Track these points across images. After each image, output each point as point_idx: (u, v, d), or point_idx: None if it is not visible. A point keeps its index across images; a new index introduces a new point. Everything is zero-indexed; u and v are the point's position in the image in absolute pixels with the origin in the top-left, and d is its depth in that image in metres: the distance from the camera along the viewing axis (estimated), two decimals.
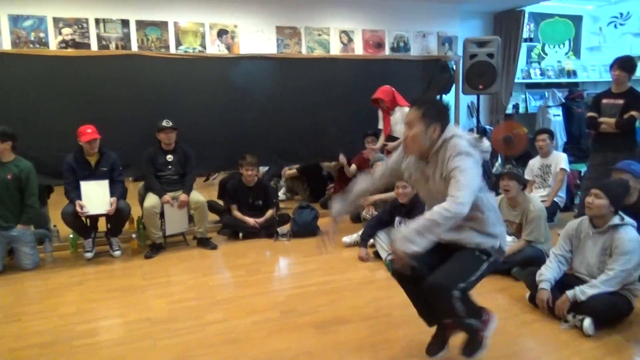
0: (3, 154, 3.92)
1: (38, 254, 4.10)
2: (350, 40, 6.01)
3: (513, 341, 2.61)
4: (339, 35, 5.95)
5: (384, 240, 3.91)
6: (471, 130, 6.32)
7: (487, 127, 6.44)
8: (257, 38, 5.61)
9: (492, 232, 2.18)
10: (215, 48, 5.40)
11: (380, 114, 5.14)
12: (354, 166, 5.38)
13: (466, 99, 6.56)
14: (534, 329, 2.74)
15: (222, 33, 5.43)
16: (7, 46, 4.61)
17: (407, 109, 5.13)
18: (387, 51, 6.18)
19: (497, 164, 6.29)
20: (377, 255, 3.97)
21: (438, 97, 6.12)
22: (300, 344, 2.60)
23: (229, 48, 5.46)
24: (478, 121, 6.35)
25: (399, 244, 1.94)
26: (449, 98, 6.22)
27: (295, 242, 4.57)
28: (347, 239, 4.38)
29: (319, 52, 5.81)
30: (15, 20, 4.64)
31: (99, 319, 3.04)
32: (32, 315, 3.08)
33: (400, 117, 4.78)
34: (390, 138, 4.88)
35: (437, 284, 2.09)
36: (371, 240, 4.07)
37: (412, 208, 3.83)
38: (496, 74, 5.66)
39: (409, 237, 1.93)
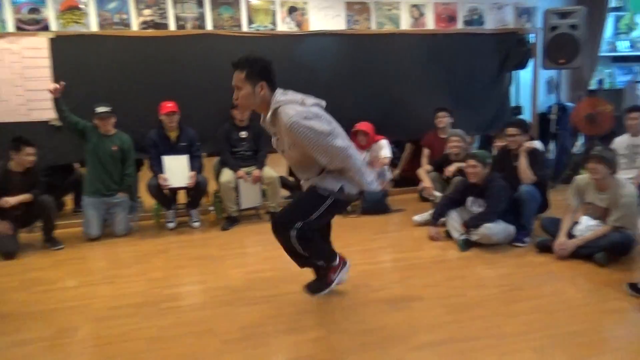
0: (108, 128, 4.24)
1: (129, 221, 4.43)
2: (421, 14, 5.85)
3: (599, 328, 2.51)
4: (409, 10, 5.80)
5: (455, 220, 3.86)
6: (550, 107, 5.98)
7: (568, 104, 6.07)
8: (326, 14, 5.59)
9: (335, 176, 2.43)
10: (285, 26, 5.44)
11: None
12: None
13: (545, 74, 6.20)
14: (621, 317, 2.62)
15: (292, 10, 5.46)
16: (94, 28, 4.90)
17: (382, 142, 5.09)
18: (459, 25, 5.96)
19: (578, 144, 5.96)
20: (448, 235, 3.93)
21: (513, 71, 5.86)
22: (373, 318, 2.65)
23: (298, 25, 5.48)
24: (558, 98, 6.02)
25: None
26: (526, 73, 5.94)
27: (364, 219, 4.61)
28: (418, 217, 4.36)
29: (388, 28, 5.71)
30: (101, 3, 4.91)
31: (183, 284, 3.26)
32: (124, 278, 3.35)
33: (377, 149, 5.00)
34: None
35: (274, 223, 2.46)
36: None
37: (484, 188, 3.75)
38: (579, 47, 5.33)
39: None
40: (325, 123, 2.34)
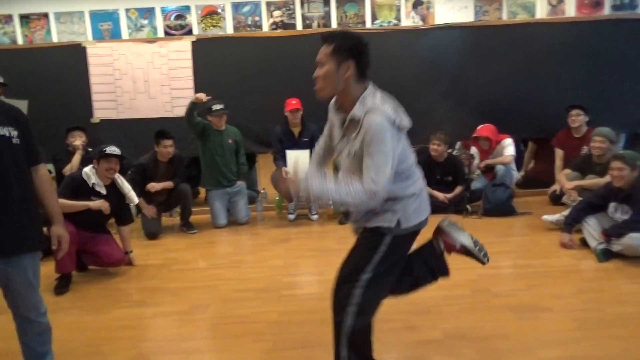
0: (222, 124, 4.57)
1: (249, 211, 4.73)
2: (560, 1, 5.35)
3: None
4: None
5: (593, 227, 3.49)
6: None
7: None
8: (453, 6, 5.38)
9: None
10: (410, 20, 5.36)
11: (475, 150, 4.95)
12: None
13: None
14: None
15: (417, 4, 5.36)
16: (230, 31, 5.30)
17: (506, 140, 4.73)
18: (606, 10, 5.34)
19: None
20: (583, 243, 3.57)
21: None
22: (494, 325, 2.51)
23: (423, 19, 5.37)
24: None
25: (301, 184, 1.75)
26: None
27: (486, 221, 4.38)
28: (548, 217, 4.03)
29: (522, 17, 5.32)
30: (236, 7, 5.28)
31: (302, 274, 3.39)
32: (248, 264, 3.59)
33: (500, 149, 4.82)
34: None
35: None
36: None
37: (631, 194, 3.33)
38: None
39: (315, 191, 1.73)
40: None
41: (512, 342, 2.34)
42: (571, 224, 3.64)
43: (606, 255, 3.30)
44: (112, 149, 3.38)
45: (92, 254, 3.39)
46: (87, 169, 3.39)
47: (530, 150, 5.45)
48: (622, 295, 2.80)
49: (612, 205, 3.48)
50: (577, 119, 4.65)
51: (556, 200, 4.58)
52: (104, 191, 3.38)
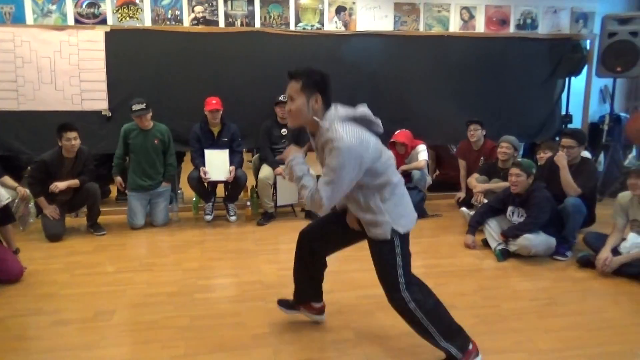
0: (146, 124, 4.37)
1: (168, 212, 4.57)
2: (471, 17, 5.71)
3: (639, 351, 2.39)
4: (459, 12, 5.68)
5: (494, 229, 3.76)
6: (602, 117, 5.73)
7: (622, 114, 5.79)
8: (374, 15, 5.55)
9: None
10: (333, 25, 5.45)
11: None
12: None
13: (599, 83, 5.94)
14: None
15: (340, 10, 5.46)
16: (148, 23, 5.07)
17: (420, 146, 4.99)
18: (511, 29, 5.78)
19: (630, 156, 5.67)
20: (485, 243, 3.84)
21: (565, 79, 5.65)
22: (404, 323, 2.61)
23: (345, 25, 5.47)
24: (612, 108, 5.74)
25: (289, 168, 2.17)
26: (578, 81, 5.70)
27: None
28: (465, 210, 4.35)
29: (437, 30, 5.61)
30: None
31: (217, 276, 3.32)
32: (161, 267, 3.45)
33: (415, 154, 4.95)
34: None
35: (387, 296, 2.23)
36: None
37: (527, 198, 3.63)
38: (639, 55, 5.06)
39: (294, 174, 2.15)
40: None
41: (418, 339, 2.45)
42: (474, 226, 3.90)
43: (504, 255, 3.57)
44: None
45: None
46: None
47: (431, 157, 5.77)
48: (516, 292, 3.04)
49: (510, 209, 3.77)
50: (475, 133, 4.98)
51: (461, 205, 4.89)
52: None
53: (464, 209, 4.43)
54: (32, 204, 4.24)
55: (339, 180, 1.97)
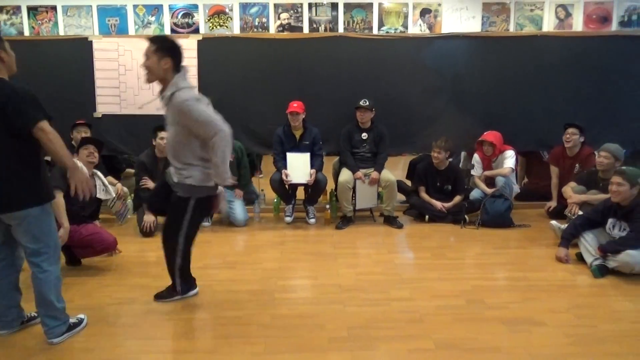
0: None
1: (247, 213, 4.72)
2: (568, 15, 5.35)
3: None
4: (554, 10, 5.35)
5: (590, 243, 3.48)
6: None
7: None
8: (460, 16, 5.38)
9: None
10: (417, 28, 5.36)
11: (477, 158, 4.89)
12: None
13: None
14: None
15: (425, 12, 5.35)
16: (236, 31, 5.30)
17: (507, 152, 4.73)
18: (614, 27, 5.34)
19: None
20: (579, 258, 3.56)
21: None
22: (487, 337, 2.50)
23: (430, 27, 5.36)
24: None
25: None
26: None
27: (483, 232, 4.37)
28: (555, 223, 4.07)
29: (529, 30, 5.32)
30: (244, 7, 5.28)
31: (296, 277, 3.38)
32: (243, 265, 3.58)
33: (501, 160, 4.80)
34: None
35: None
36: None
37: (631, 211, 3.31)
38: None
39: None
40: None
41: (503, 355, 2.33)
42: (568, 238, 3.63)
43: (602, 271, 3.29)
44: (87, 137, 3.65)
45: (82, 245, 3.36)
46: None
47: (520, 165, 5.45)
48: (616, 312, 2.79)
49: (610, 222, 3.47)
50: (572, 137, 4.63)
51: (552, 215, 4.59)
52: None
53: (553, 222, 4.11)
54: (129, 201, 4.59)
55: (205, 115, 2.55)
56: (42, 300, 2.38)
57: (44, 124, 2.19)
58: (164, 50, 2.55)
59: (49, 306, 2.39)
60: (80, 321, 2.59)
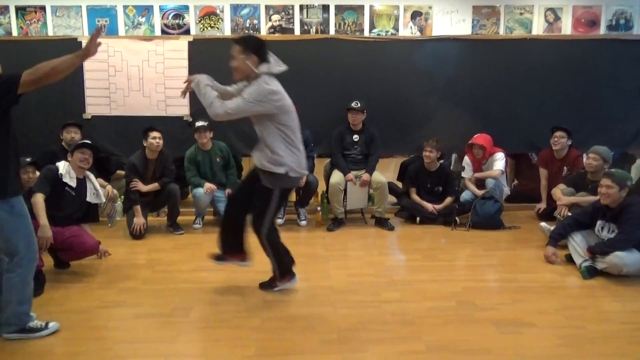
0: (205, 141, 4.60)
1: None
2: (557, 18, 5.40)
3: None
4: (544, 13, 5.39)
5: (579, 244, 3.50)
6: None
7: None
8: (451, 19, 5.41)
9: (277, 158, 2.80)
10: (408, 30, 5.37)
11: (467, 160, 4.89)
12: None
13: None
14: None
15: (415, 15, 5.37)
16: (227, 32, 5.28)
17: (497, 154, 4.75)
18: (602, 30, 5.40)
19: None
20: (568, 259, 3.59)
21: None
22: (478, 339, 2.50)
23: (421, 30, 5.38)
24: None
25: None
26: None
27: (474, 233, 4.39)
28: (545, 225, 4.10)
29: (518, 33, 5.36)
30: (235, 9, 5.27)
31: None
32: (234, 267, 3.48)
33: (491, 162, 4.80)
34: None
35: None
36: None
37: (620, 213, 3.34)
38: None
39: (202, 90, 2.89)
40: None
41: (493, 357, 2.33)
42: (556, 238, 3.66)
43: (590, 272, 3.31)
44: (86, 141, 3.51)
45: (64, 248, 3.32)
46: (62, 164, 3.38)
47: (510, 167, 5.49)
48: (605, 313, 2.81)
49: (599, 223, 3.50)
50: (560, 141, 4.68)
51: (542, 217, 4.62)
52: (74, 184, 3.37)
53: (543, 224, 4.15)
54: (118, 203, 4.55)
55: (244, 101, 2.79)
56: (5, 295, 2.43)
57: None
58: (249, 49, 2.82)
59: (9, 304, 2.43)
60: (43, 328, 2.51)
